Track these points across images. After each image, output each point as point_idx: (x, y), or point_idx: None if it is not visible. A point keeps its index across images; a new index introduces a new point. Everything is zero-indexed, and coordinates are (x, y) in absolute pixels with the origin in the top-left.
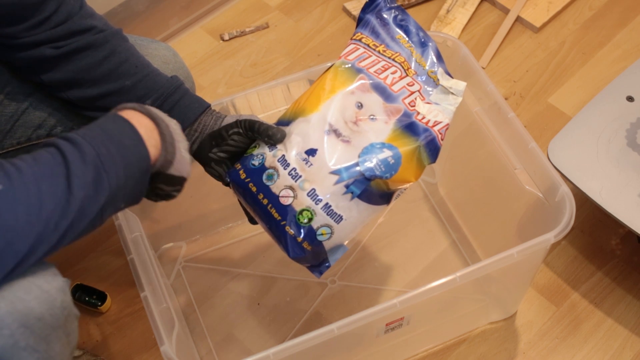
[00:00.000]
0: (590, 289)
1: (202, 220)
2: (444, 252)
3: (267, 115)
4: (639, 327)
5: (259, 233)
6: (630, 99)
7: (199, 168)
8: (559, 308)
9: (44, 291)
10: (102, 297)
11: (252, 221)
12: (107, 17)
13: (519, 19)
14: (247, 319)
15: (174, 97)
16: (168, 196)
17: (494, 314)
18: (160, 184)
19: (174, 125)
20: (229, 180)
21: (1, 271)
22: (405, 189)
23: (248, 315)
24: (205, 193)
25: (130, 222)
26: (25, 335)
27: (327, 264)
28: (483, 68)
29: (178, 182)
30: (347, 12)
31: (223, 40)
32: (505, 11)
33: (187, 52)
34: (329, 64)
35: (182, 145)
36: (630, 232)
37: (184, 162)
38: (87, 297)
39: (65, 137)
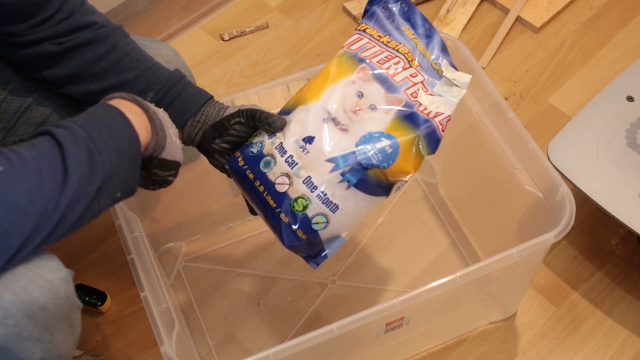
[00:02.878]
0: (590, 289)
1: (202, 220)
2: (444, 252)
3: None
4: (639, 327)
5: (259, 233)
6: (630, 99)
7: (199, 168)
8: (559, 308)
9: (48, 281)
10: (102, 297)
11: (253, 212)
12: (104, 14)
13: (519, 19)
14: (247, 319)
15: (176, 89)
16: (164, 182)
17: (494, 314)
18: (155, 170)
19: (162, 113)
20: (228, 167)
21: (7, 252)
22: (406, 181)
23: (248, 315)
24: (205, 193)
25: (130, 222)
26: (29, 325)
27: (323, 254)
28: (483, 68)
29: (172, 167)
30: (347, 12)
31: (223, 40)
32: (505, 11)
33: (187, 52)
34: None
35: (171, 130)
36: (630, 232)
37: (175, 147)
38: (87, 297)
39: (55, 124)
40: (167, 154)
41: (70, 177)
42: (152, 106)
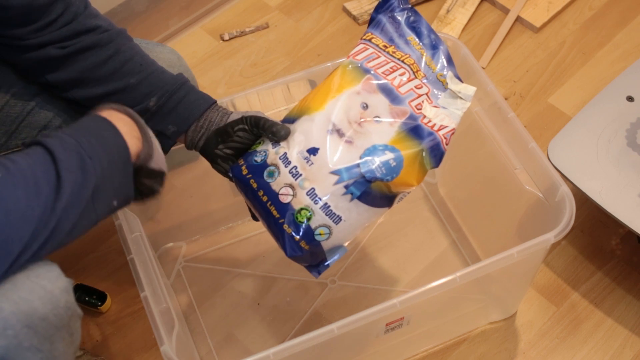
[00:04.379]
0: (590, 289)
1: (202, 220)
2: (444, 252)
3: (267, 115)
4: (639, 327)
5: (259, 233)
6: (630, 99)
7: (199, 168)
8: (559, 308)
9: (48, 291)
10: (102, 297)
11: (255, 218)
12: (107, 17)
13: (519, 19)
14: (247, 319)
15: (179, 94)
16: (151, 192)
17: (494, 314)
18: (143, 179)
19: (144, 123)
20: (231, 175)
21: (7, 259)
22: (408, 193)
23: (248, 315)
24: (205, 193)
25: (130, 222)
26: (29, 335)
27: (325, 264)
28: (483, 68)
29: (159, 176)
30: (347, 12)
31: (223, 40)
32: (505, 11)
33: (187, 52)
34: (329, 64)
35: (155, 141)
36: (630, 232)
37: (161, 156)
38: (87, 297)
39: (44, 135)
40: (154, 163)
41: (63, 181)
42: (140, 117)
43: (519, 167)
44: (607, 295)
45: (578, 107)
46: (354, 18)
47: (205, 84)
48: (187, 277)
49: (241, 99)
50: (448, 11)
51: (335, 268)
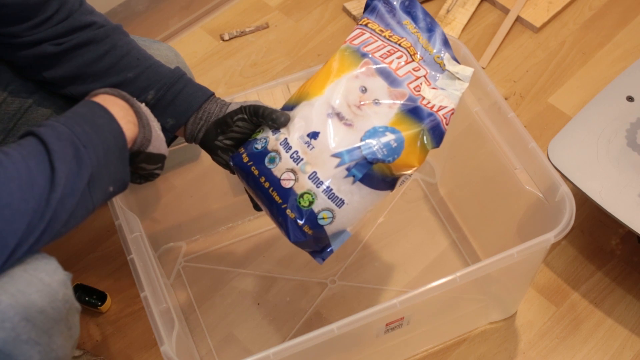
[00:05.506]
0: (590, 289)
1: (202, 220)
2: (444, 252)
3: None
4: (639, 327)
5: (259, 233)
6: (630, 99)
7: (199, 168)
8: (559, 308)
9: (46, 284)
10: (102, 297)
11: (257, 208)
12: (107, 17)
13: (519, 19)
14: (247, 319)
15: (177, 87)
16: (151, 176)
17: (494, 314)
18: (142, 164)
19: (144, 107)
20: (232, 164)
21: (3, 252)
22: (410, 175)
23: (248, 315)
24: (205, 193)
25: (130, 222)
26: (27, 328)
27: (329, 250)
28: (483, 68)
29: (158, 160)
30: (347, 12)
31: (223, 40)
32: (505, 11)
33: (187, 52)
34: None
35: (155, 124)
36: (630, 232)
37: (160, 140)
38: (87, 297)
39: (38, 124)
40: (153, 147)
41: (57, 172)
42: (136, 101)
43: (519, 167)
44: (607, 295)
45: (578, 107)
46: (354, 18)
47: (205, 84)
48: (187, 277)
49: (241, 99)
50: (448, 11)
51: (336, 268)
